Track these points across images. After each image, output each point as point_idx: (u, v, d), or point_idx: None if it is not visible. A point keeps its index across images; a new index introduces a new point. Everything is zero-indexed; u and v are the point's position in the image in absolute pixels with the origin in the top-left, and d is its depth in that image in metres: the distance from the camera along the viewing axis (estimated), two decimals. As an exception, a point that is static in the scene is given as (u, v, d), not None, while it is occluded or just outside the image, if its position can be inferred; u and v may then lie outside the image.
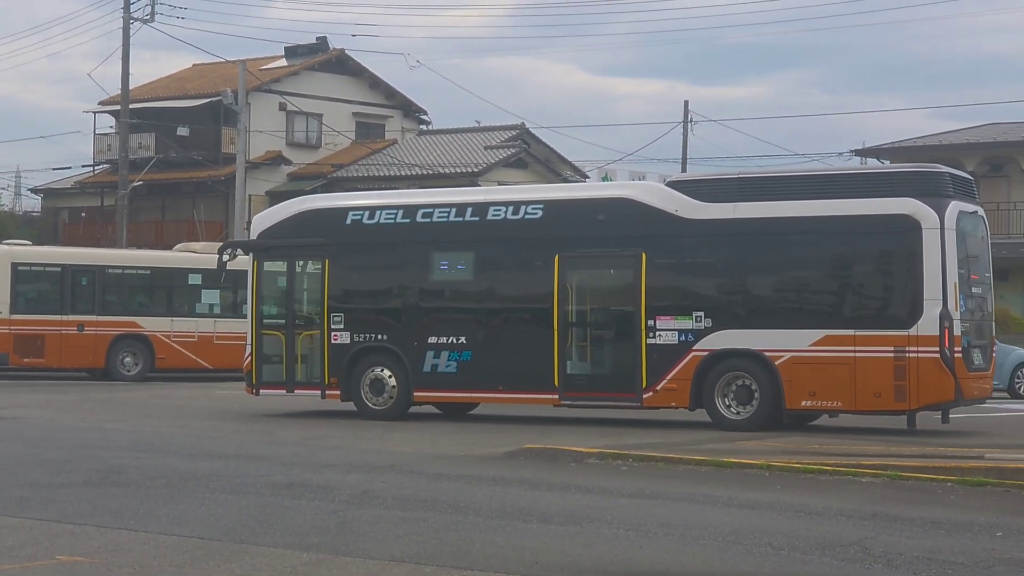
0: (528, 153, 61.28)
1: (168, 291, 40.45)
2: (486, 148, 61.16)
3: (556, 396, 23.24)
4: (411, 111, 67.71)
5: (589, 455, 18.52)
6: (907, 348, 20.90)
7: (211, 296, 40.61)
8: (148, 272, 40.57)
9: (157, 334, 39.23)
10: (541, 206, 23.66)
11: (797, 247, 22.22)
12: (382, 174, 60.69)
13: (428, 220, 24.30)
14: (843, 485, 16.18)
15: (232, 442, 20.73)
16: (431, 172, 59.06)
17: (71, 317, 38.23)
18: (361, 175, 61.37)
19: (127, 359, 39.02)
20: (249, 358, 25.52)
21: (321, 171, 62.42)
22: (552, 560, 11.37)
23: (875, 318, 21.44)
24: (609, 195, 24.07)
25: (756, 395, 21.87)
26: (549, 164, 62.04)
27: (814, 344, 21.53)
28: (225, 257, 26.71)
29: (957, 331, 20.91)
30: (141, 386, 36.08)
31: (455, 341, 23.85)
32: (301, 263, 25.60)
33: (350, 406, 25.03)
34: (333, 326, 24.68)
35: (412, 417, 24.92)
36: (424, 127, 67.71)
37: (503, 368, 23.49)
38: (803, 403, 21.70)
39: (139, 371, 38.93)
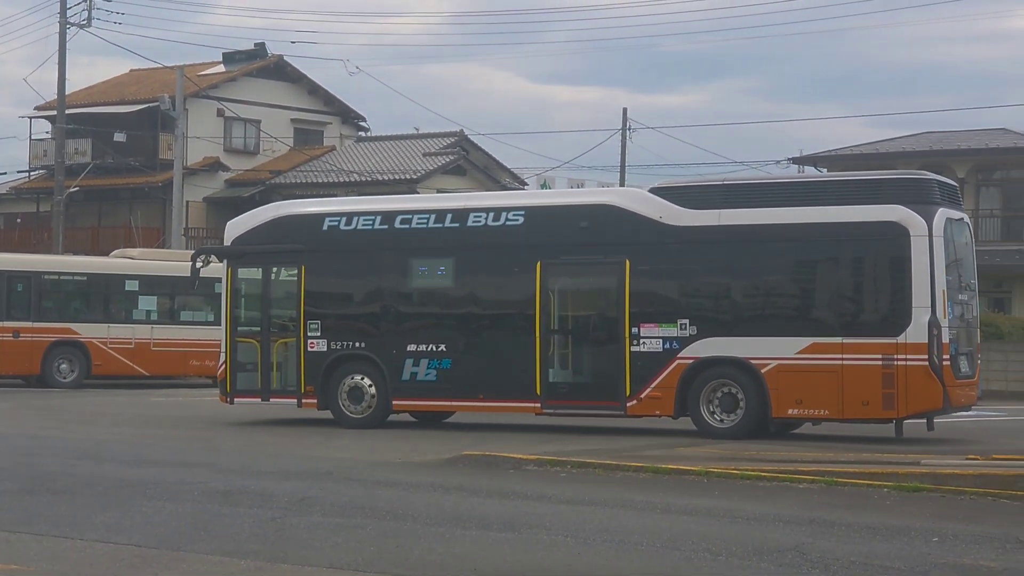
0: (467, 160, 61.24)
1: (105, 297, 40.10)
2: (425, 155, 61.07)
3: (538, 404, 22.95)
4: (350, 118, 67.53)
5: (528, 462, 18.52)
6: (895, 356, 20.74)
7: (148, 303, 40.35)
8: (84, 278, 40.25)
9: (93, 341, 38.92)
10: (522, 212, 23.42)
11: (783, 254, 22.00)
12: (320, 180, 60.50)
13: (407, 226, 23.95)
14: (781, 491, 16.25)
15: (169, 449, 20.63)
16: (369, 179, 58.93)
17: (6, 324, 37.87)
18: (299, 181, 61.15)
19: (63, 366, 38.69)
20: (223, 366, 25.06)
21: (259, 177, 62.14)
22: (490, 567, 11.37)
23: (863, 326, 21.26)
24: (592, 201, 23.96)
25: (742, 403, 21.65)
26: (488, 171, 62.03)
27: (801, 352, 21.35)
28: (198, 264, 26.19)
29: (945, 338, 20.73)
30: (77, 393, 35.79)
31: (435, 349, 23.55)
32: (276, 269, 25.21)
33: (323, 414, 24.46)
34: (309, 333, 24.29)
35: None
36: (363, 134, 67.54)
37: (484, 376, 23.24)
38: (790, 411, 21.53)
39: (75, 378, 38.61)
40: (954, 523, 14.02)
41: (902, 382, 20.73)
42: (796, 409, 21.49)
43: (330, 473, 17.48)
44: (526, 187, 62.37)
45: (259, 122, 63.44)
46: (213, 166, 62.00)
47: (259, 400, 25.00)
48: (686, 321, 22.05)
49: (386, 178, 58.54)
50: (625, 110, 62.65)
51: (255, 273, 25.38)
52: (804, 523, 13.79)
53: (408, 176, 58.36)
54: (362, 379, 24.06)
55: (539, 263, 22.90)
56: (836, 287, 21.80)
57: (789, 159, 60.93)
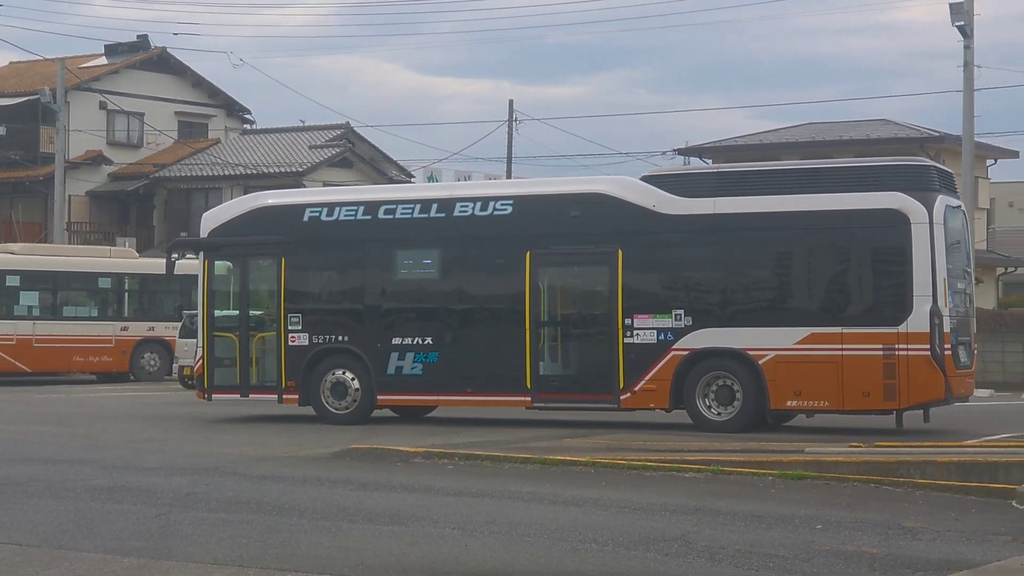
0: (353, 152, 61.02)
1: (-15, 293, 39.51)
2: (311, 147, 60.76)
3: (528, 398, 22.53)
4: (235, 110, 67.02)
5: (415, 454, 18.48)
6: (896, 346, 20.40)
7: (30, 298, 39.81)
8: (-36, 274, 39.60)
9: (-26, 337, 38.32)
10: (511, 202, 22.95)
11: (780, 243, 21.66)
12: (205, 173, 60.03)
13: (391, 216, 23.45)
14: (667, 481, 16.34)
15: (52, 446, 20.35)
16: (255, 172, 58.55)
17: None
18: (184, 175, 60.65)
19: (-58, 363, 38.09)
20: (200, 362, 24.45)
21: (143, 171, 61.52)
22: (378, 560, 11.33)
23: (863, 315, 20.89)
24: (583, 190, 23.20)
25: (738, 395, 21.29)
26: (374, 164, 61.84)
27: (799, 342, 21.00)
28: (173, 257, 25.59)
29: (947, 328, 20.44)
30: (-42, 391, 35.21)
31: (421, 342, 23.05)
32: (255, 262, 24.61)
33: (303, 410, 24.09)
34: (290, 327, 23.76)
35: (243, 419, 24.68)
36: (248, 126, 67.05)
37: (472, 370, 22.77)
38: (788, 403, 21.17)
39: (-46, 376, 38.00)
40: (837, 510, 14.17)
41: (903, 372, 20.38)
42: (795, 401, 21.12)
43: (216, 468, 17.33)
44: (412, 179, 62.26)
45: (143, 115, 62.76)
46: (96, 159, 61.26)
47: (238, 396, 24.34)
48: (681, 312, 21.67)
49: (272, 171, 58.16)
50: (511, 102, 62.56)
51: (233, 265, 24.75)
52: (690, 512, 13.87)
53: (294, 169, 58.05)
54: (345, 374, 23.53)
55: (528, 253, 22.50)
56: (835, 276, 21.45)
57: (674, 150, 61.38)
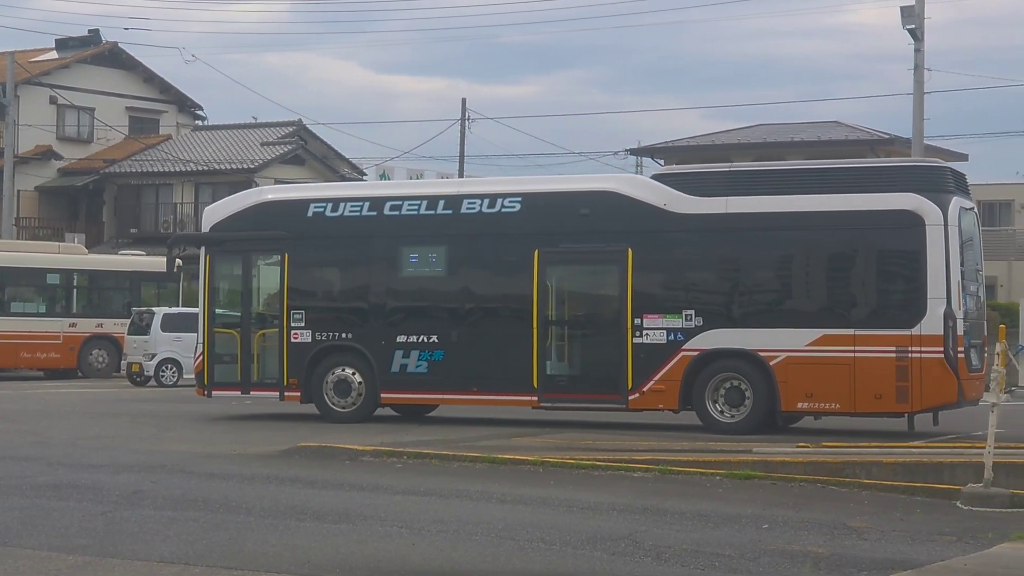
0: (305, 150, 60.90)
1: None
2: (263, 144, 60.60)
3: (535, 398, 22.21)
4: (186, 106, 66.77)
5: (364, 453, 18.46)
6: (910, 348, 20.07)
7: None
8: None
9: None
10: (519, 199, 22.60)
11: (793, 243, 21.38)
12: (156, 169, 59.80)
13: (397, 213, 23.12)
14: (615, 480, 16.37)
15: (-2, 443, 20.22)
16: (207, 168, 58.37)
17: None
18: (135, 170, 60.39)
19: None
20: (200, 358, 24.04)
21: (93, 166, 61.24)
22: (325, 558, 11.31)
23: (876, 317, 20.59)
24: (593, 188, 22.86)
25: (748, 397, 21.00)
26: (327, 161, 61.73)
27: (811, 344, 20.70)
28: (175, 251, 25.23)
29: (960, 330, 20.12)
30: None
31: (426, 340, 22.73)
32: (257, 257, 24.23)
33: (302, 408, 23.84)
34: (293, 324, 23.42)
35: (192, 417, 24.59)
36: (200, 123, 66.83)
37: (478, 368, 22.45)
38: (799, 405, 20.90)
39: (-100, 371, 37.74)
40: (784, 510, 14.24)
41: (916, 375, 20.08)
42: (806, 403, 20.84)
43: (163, 466, 17.26)
44: (365, 177, 62.17)
45: (93, 110, 62.46)
46: (46, 154, 60.91)
47: (239, 393, 24.06)
48: (691, 312, 21.38)
49: (224, 167, 57.99)
50: (464, 100, 62.51)
51: (235, 261, 24.32)
52: (637, 511, 13.91)
53: (246, 166, 57.89)
54: (348, 371, 23.21)
55: (537, 252, 22.19)
56: (848, 277, 21.17)
57: (627, 150, 61.59)
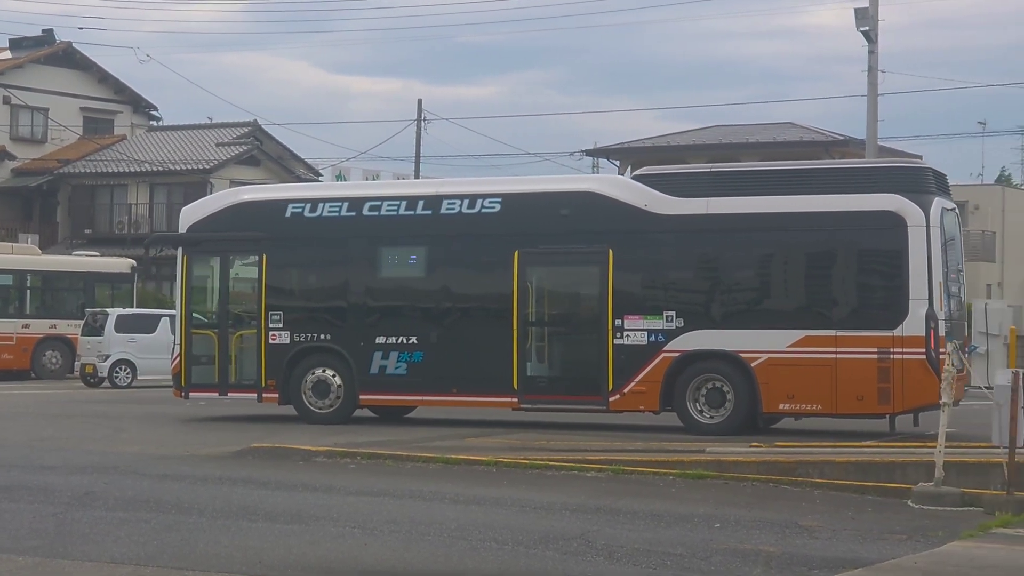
0: (261, 151, 60.75)
1: None
2: (218, 145, 60.43)
3: (515, 399, 22.04)
4: (141, 106, 66.49)
5: (317, 453, 18.43)
6: (892, 349, 19.94)
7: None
8: None
9: None
10: (499, 200, 22.43)
11: (775, 244, 21.25)
12: (111, 170, 59.55)
13: (376, 213, 22.94)
14: (568, 480, 16.40)
15: (-51, 445, 20.09)
16: (162, 169, 58.16)
17: None
18: (89, 171, 60.11)
19: None
20: (177, 359, 23.77)
21: (47, 167, 60.92)
22: (277, 559, 11.29)
23: (857, 318, 20.44)
24: (573, 188, 22.82)
25: (729, 398, 20.84)
26: (282, 162, 61.60)
27: (793, 345, 20.53)
28: (152, 252, 24.92)
29: (942, 332, 19.96)
30: None
31: (405, 341, 22.52)
32: (235, 258, 24.02)
33: (283, 410, 23.59)
34: (271, 325, 23.16)
35: (145, 418, 24.49)
36: (155, 123, 66.60)
37: (458, 370, 22.24)
38: (781, 406, 20.75)
39: None
40: (736, 509, 14.30)
41: (898, 376, 19.93)
42: (787, 404, 20.71)
43: (116, 467, 17.20)
44: (320, 178, 62.07)
45: (47, 110, 62.15)
46: (-1, 155, 60.63)
47: (216, 394, 23.80)
48: (672, 313, 21.20)
49: (179, 168, 57.80)
50: (420, 101, 62.41)
51: (212, 262, 24.14)
52: (590, 511, 13.94)
53: (201, 167, 57.72)
54: (327, 372, 22.99)
55: (517, 252, 22.01)
56: (830, 278, 21.06)
57: (582, 151, 61.64)
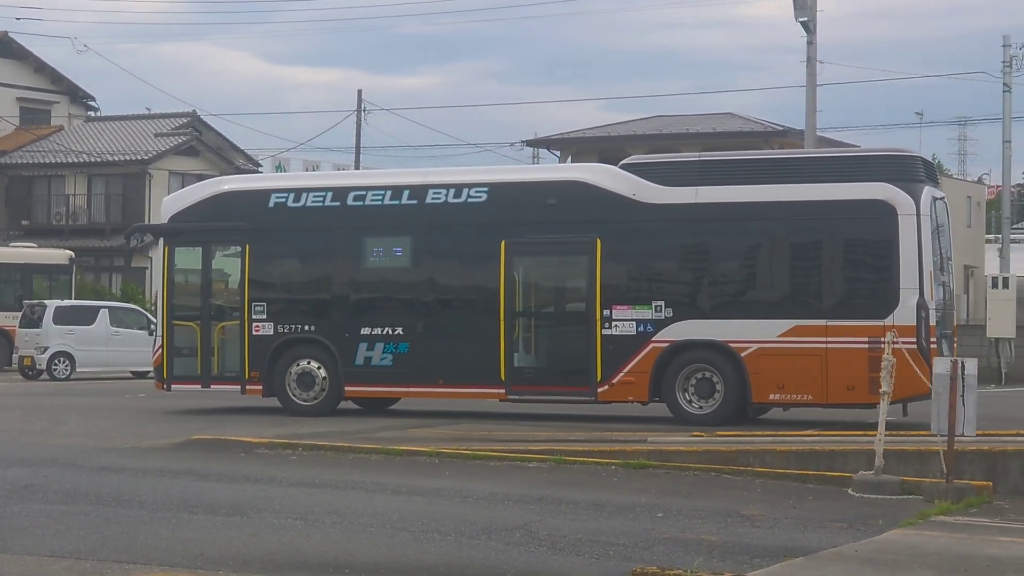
0: (200, 141, 60.42)
1: None
2: (156, 135, 60.06)
3: (503, 390, 21.84)
4: (79, 97, 65.97)
5: (259, 445, 18.36)
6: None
7: None
8: None
9: None
10: (486, 189, 22.22)
11: (764, 234, 21.11)
12: (48, 160, 59.10)
13: (361, 203, 22.70)
14: (511, 470, 16.40)
15: None
16: (100, 159, 57.77)
17: None
18: (26, 161, 59.63)
19: None
20: (159, 351, 23.52)
21: (-18, 157, 60.41)
22: (218, 552, 11.24)
23: (848, 307, 20.34)
24: (561, 178, 22.80)
25: (719, 388, 20.75)
26: (221, 152, 61.30)
27: (783, 335, 20.43)
28: (133, 242, 24.60)
29: (932, 320, 19.95)
30: None
31: (391, 332, 22.29)
32: (218, 249, 23.80)
33: (267, 401, 23.33)
34: (255, 316, 22.92)
35: (85, 410, 24.33)
36: (92, 113, 66.09)
37: (444, 361, 22.02)
38: (771, 396, 20.66)
39: None
40: (678, 499, 14.34)
41: None
42: (777, 394, 20.61)
43: (55, 460, 17.05)
44: (260, 169, 61.83)
45: (-18, 100, 61.58)
46: (-65, 145, 60.07)
47: (199, 387, 23.52)
48: (661, 303, 21.07)
49: (117, 159, 57.42)
50: (360, 91, 62.20)
51: (194, 252, 23.74)
52: (533, 501, 13.94)
53: (140, 157, 57.37)
54: (312, 364, 22.78)
55: (504, 242, 21.84)
56: (820, 267, 20.91)
57: (523, 142, 61.57)
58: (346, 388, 22.82)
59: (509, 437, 19.08)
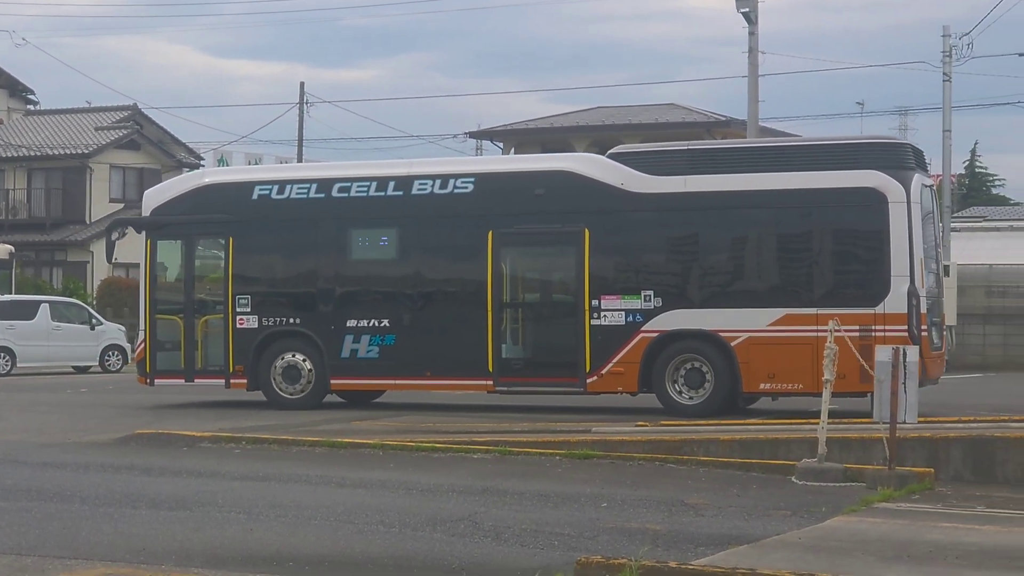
0: (141, 134, 60.08)
1: None
2: (97, 129, 59.69)
3: (490, 382, 21.79)
4: (18, 90, 65.45)
5: (202, 439, 18.27)
6: (873, 327, 19.74)
7: None
8: None
9: None
10: (472, 179, 22.15)
11: (754, 222, 21.04)
12: (-13, 155, 58.67)
13: (346, 195, 22.54)
14: (455, 462, 16.38)
15: None
16: (39, 153, 57.38)
17: None
18: (-35, 156, 59.16)
19: None
20: (141, 345, 23.31)
21: (-80, 152, 59.86)
22: (160, 546, 11.16)
23: (839, 296, 20.26)
24: (548, 167, 22.53)
25: (709, 378, 20.69)
26: (163, 146, 60.99)
27: (773, 324, 20.40)
28: (114, 236, 24.42)
29: (923, 308, 19.88)
30: None
31: (377, 324, 22.20)
32: (201, 241, 23.63)
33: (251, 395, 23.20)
34: (239, 309, 22.77)
35: (26, 405, 24.14)
36: (32, 107, 65.62)
37: (431, 353, 21.94)
38: (761, 386, 20.63)
39: None
40: (623, 488, 14.35)
41: None
42: (768, 384, 20.57)
43: (-5, 456, 16.93)
44: (202, 162, 61.52)
45: (-80, 94, 61.04)
46: None
47: (183, 381, 23.29)
48: (650, 293, 21.02)
49: (57, 152, 57.05)
50: (302, 84, 62.04)
51: (177, 245, 23.57)
52: (477, 492, 13.93)
53: (80, 151, 57.00)
54: (299, 358, 22.65)
55: (491, 233, 21.74)
56: (810, 256, 20.84)
57: (466, 133, 61.59)
58: (332, 381, 22.67)
59: (453, 428, 19.07)
